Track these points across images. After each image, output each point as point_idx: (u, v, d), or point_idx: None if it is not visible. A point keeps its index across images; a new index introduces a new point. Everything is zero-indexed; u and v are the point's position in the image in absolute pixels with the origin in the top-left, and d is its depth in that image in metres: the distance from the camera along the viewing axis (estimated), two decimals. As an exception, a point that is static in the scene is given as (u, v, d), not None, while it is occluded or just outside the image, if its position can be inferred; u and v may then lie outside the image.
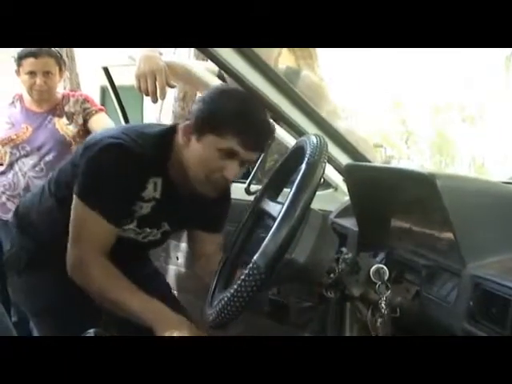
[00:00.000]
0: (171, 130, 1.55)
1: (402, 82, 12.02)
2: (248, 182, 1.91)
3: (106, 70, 2.34)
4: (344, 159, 1.72)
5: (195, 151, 1.47)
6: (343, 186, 1.77)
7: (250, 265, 1.01)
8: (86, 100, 2.71)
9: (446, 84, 12.04)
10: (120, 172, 1.46)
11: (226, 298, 1.06)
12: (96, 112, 2.67)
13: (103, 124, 2.68)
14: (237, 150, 1.41)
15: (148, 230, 1.60)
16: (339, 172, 1.78)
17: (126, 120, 2.38)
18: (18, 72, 2.60)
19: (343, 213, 1.67)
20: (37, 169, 2.58)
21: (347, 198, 1.61)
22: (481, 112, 11.85)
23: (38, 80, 2.56)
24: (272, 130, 1.49)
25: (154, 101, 1.71)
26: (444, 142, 12.13)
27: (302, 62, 8.09)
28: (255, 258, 1.01)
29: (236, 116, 1.42)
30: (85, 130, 2.67)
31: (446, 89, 12.09)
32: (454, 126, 12.14)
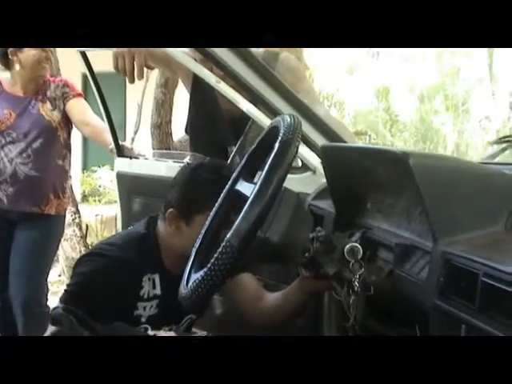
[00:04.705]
0: (152, 223, 1.58)
1: (388, 69, 12.03)
2: (227, 165, 1.91)
3: (83, 55, 2.29)
4: (321, 141, 1.72)
5: (189, 236, 1.46)
6: (321, 169, 1.77)
7: (224, 243, 1.02)
8: (65, 84, 2.69)
9: (431, 71, 12.06)
10: (97, 278, 1.46)
11: (199, 277, 1.06)
12: (74, 96, 2.66)
13: (80, 109, 2.66)
14: None
15: (166, 328, 1.58)
16: (317, 154, 1.78)
17: (105, 107, 2.35)
18: None
19: (321, 195, 1.67)
20: (24, 155, 2.56)
21: (325, 180, 1.61)
22: (464, 100, 11.93)
23: None
24: None
25: (131, 81, 1.70)
26: (428, 129, 12.18)
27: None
28: (228, 236, 1.02)
29: (212, 189, 1.43)
30: (67, 116, 2.66)
31: (431, 76, 12.11)
32: (438, 114, 12.20)
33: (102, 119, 2.43)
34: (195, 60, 1.90)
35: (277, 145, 1.07)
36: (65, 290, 1.50)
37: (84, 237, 4.69)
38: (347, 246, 1.18)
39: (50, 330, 1.27)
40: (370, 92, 12.67)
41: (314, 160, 1.83)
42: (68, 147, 2.73)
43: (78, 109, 2.66)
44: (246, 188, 1.21)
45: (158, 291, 1.55)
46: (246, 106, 1.83)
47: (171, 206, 1.54)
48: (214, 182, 1.48)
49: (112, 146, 2.35)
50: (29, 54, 2.55)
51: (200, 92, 2.12)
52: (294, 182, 1.57)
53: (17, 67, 2.57)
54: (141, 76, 1.74)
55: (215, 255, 1.02)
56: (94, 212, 6.27)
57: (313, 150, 1.79)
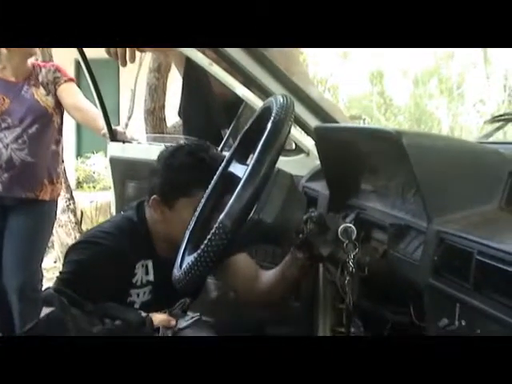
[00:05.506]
0: (140, 210, 1.56)
1: (382, 53, 12.01)
2: (220, 148, 1.90)
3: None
4: (315, 123, 1.71)
5: (174, 220, 1.48)
6: (315, 151, 1.77)
7: (216, 224, 1.01)
8: (57, 69, 2.67)
9: (425, 55, 12.04)
10: (90, 267, 1.45)
11: (193, 259, 1.06)
12: (65, 81, 2.63)
13: (71, 93, 2.64)
14: None
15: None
16: (311, 136, 1.77)
17: (98, 93, 2.32)
18: None
19: (314, 177, 1.67)
20: (20, 141, 2.54)
21: (319, 162, 1.61)
22: (459, 84, 11.91)
23: None
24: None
25: (123, 64, 1.68)
26: (422, 113, 12.18)
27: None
28: (221, 217, 1.01)
29: (192, 172, 1.45)
30: (60, 101, 2.64)
31: (425, 60, 12.10)
32: (432, 97, 12.19)
33: (95, 105, 2.40)
34: None
35: (269, 125, 1.06)
36: (57, 278, 1.49)
37: (79, 223, 4.68)
38: (341, 227, 1.18)
39: (45, 311, 1.27)
40: (364, 76, 12.65)
41: (308, 142, 1.82)
42: (61, 132, 2.72)
43: (70, 93, 2.64)
44: (239, 169, 1.21)
45: (151, 277, 1.54)
46: (239, 88, 1.82)
47: (154, 192, 1.52)
48: (192, 165, 1.48)
49: (104, 130, 2.34)
50: None
51: (193, 75, 2.10)
52: (288, 165, 1.56)
53: (4, 50, 2.53)
54: (132, 59, 1.72)
55: (208, 236, 1.02)
56: (89, 198, 6.26)
57: (306, 132, 1.78)
